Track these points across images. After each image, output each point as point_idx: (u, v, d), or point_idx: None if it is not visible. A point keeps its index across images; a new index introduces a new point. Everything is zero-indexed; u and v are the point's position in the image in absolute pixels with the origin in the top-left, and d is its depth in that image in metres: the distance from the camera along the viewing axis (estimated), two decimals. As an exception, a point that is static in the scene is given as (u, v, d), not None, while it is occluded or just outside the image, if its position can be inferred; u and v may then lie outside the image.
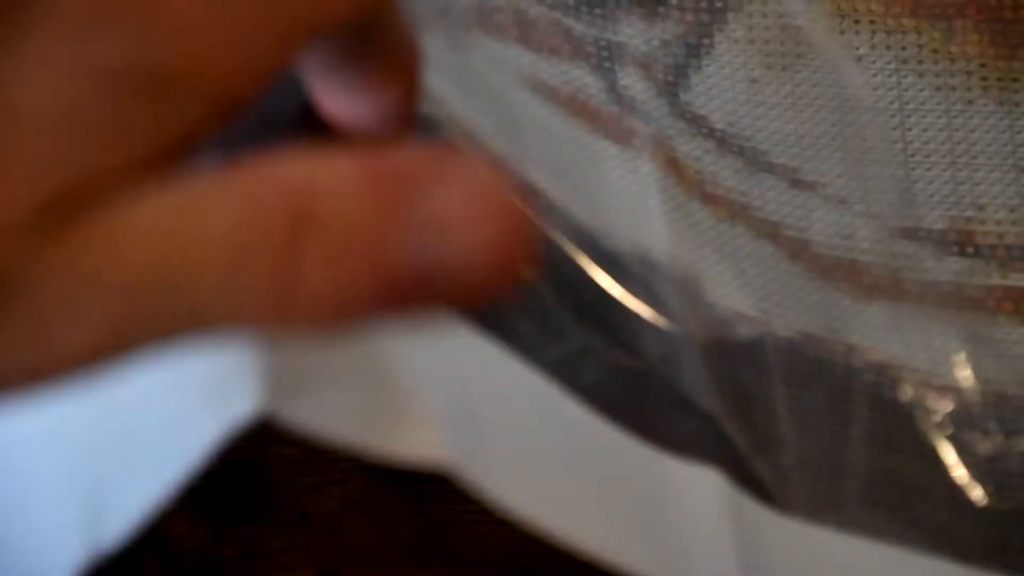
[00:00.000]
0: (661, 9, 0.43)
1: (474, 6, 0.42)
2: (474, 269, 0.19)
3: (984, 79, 0.44)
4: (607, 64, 0.42)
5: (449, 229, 0.19)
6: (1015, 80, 0.44)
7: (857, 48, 0.44)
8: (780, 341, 0.40)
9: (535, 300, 0.39)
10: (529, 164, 0.41)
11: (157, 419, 0.34)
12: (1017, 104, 0.43)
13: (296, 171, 0.19)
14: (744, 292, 0.40)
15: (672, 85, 0.42)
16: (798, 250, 0.41)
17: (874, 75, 0.43)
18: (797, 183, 0.42)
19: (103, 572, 0.35)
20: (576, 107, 0.42)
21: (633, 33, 0.42)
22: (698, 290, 0.40)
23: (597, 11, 0.43)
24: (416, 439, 0.35)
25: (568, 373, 0.38)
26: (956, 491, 0.39)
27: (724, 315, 0.40)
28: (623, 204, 0.41)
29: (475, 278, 0.19)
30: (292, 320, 0.19)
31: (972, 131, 0.43)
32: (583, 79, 0.42)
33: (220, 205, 0.19)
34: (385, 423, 0.35)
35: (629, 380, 0.38)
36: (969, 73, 0.44)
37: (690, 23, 0.43)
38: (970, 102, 0.43)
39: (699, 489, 0.38)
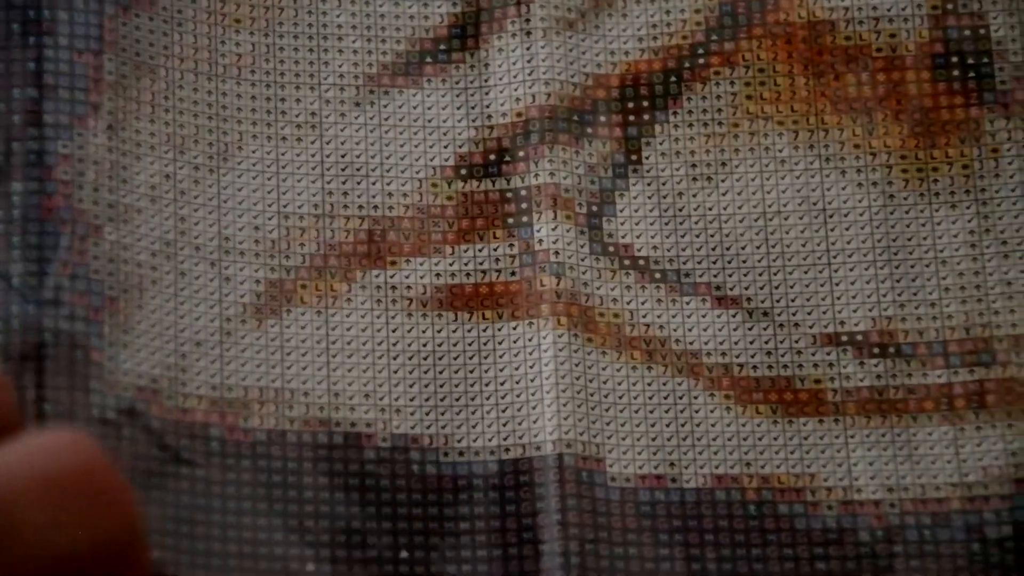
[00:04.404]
0: (589, 130, 0.45)
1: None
2: None
3: (904, 171, 0.45)
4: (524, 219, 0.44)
5: None
6: (935, 170, 0.45)
7: (780, 151, 0.45)
8: (687, 494, 0.42)
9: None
10: None
11: None
12: (937, 195, 0.44)
13: None
14: (650, 451, 0.42)
15: (595, 216, 0.44)
16: (718, 378, 0.43)
17: (797, 176, 0.45)
18: (721, 300, 0.44)
19: None
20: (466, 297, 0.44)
21: (555, 168, 0.44)
22: (592, 474, 0.42)
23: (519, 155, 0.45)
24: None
25: None
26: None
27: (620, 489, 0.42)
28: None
29: None
30: None
31: (893, 226, 0.44)
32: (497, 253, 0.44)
33: None
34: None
35: None
36: (890, 167, 0.45)
37: (618, 139, 0.45)
38: (891, 196, 0.45)
39: None
